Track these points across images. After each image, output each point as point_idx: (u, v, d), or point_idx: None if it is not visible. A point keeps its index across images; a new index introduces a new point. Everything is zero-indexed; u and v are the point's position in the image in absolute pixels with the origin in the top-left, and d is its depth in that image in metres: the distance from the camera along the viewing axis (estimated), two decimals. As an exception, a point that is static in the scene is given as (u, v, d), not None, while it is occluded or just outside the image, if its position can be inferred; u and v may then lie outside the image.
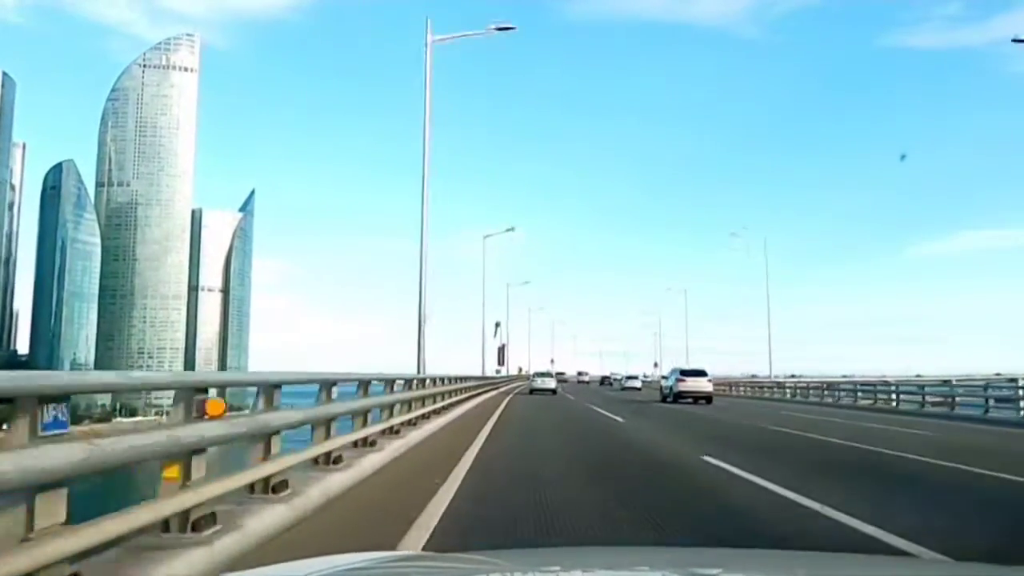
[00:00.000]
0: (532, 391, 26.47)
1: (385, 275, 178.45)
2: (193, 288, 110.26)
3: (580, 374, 65.11)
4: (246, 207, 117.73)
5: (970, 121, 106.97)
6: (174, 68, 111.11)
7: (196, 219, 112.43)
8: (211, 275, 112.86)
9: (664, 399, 19.74)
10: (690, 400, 18.45)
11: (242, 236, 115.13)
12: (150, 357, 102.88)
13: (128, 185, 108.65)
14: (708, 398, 18.64)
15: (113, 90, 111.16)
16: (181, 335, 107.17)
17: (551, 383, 27.68)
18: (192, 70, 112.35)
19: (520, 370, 50.27)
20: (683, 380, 19.26)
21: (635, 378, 41.05)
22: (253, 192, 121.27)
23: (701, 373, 19.84)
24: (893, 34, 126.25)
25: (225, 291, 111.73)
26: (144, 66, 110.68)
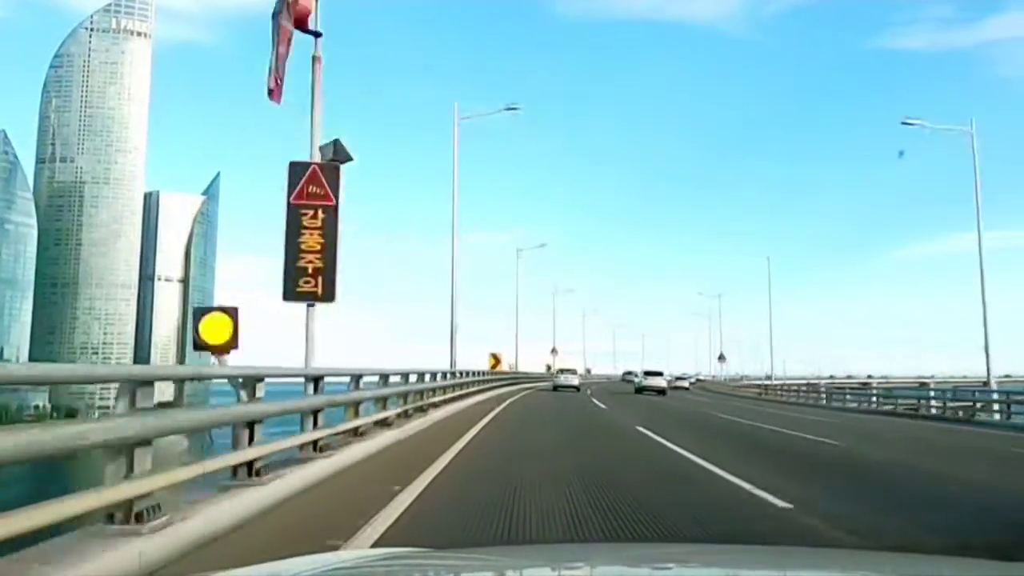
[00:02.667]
0: (556, 388, 28.67)
1: (389, 274, 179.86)
2: (148, 277, 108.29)
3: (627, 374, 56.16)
4: (209, 190, 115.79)
5: (961, 122, 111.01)
6: (125, 32, 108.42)
7: (152, 202, 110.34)
8: (169, 264, 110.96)
9: (636, 391, 27.76)
10: (652, 392, 26.51)
11: (204, 221, 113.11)
12: (95, 353, 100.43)
13: (72, 161, 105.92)
14: (662, 391, 27.01)
15: (56, 56, 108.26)
16: (131, 329, 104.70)
17: (574, 380, 30.12)
18: (146, 35, 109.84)
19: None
20: (647, 378, 28.75)
21: (659, 375, 41.77)
22: (218, 175, 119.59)
23: (659, 374, 29.82)
24: (884, 35, 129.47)
25: (185, 281, 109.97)
26: (92, 30, 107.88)
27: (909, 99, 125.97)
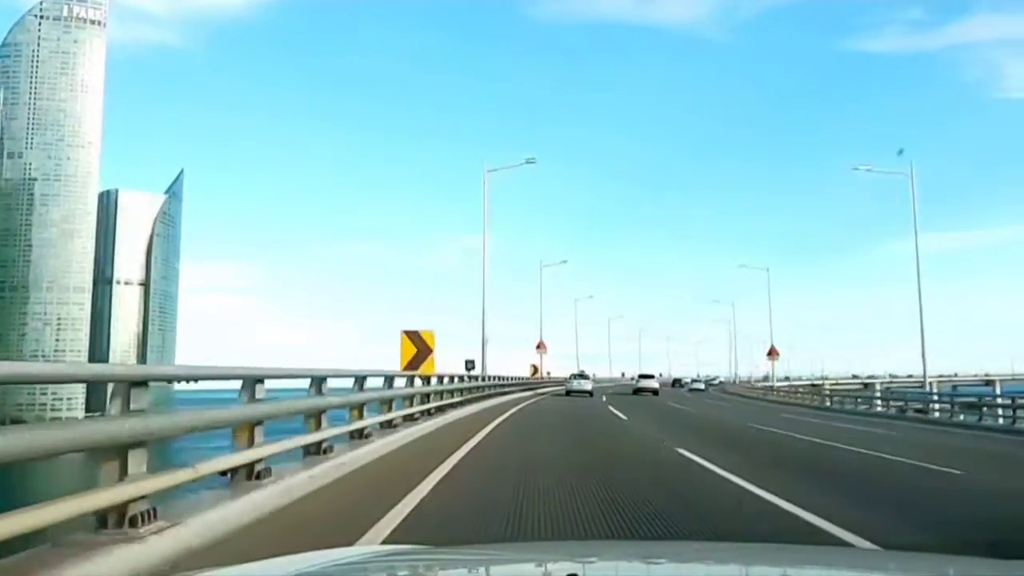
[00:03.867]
0: (568, 392, 29.86)
1: (357, 280, 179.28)
2: (105, 280, 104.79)
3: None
4: (172, 189, 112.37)
5: (932, 125, 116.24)
6: (78, 20, 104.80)
7: (109, 200, 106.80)
8: (129, 266, 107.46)
9: (634, 392, 33.79)
10: (647, 392, 32.95)
11: (167, 222, 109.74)
12: (46, 360, 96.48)
13: (21, 157, 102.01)
14: (655, 391, 33.54)
15: (3, 45, 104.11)
16: (85, 335, 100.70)
17: (587, 385, 31.22)
18: (100, 23, 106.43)
19: (623, 374, 64.85)
20: (641, 380, 35.14)
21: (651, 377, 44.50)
22: (182, 173, 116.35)
23: (651, 376, 36.41)
24: (855, 39, 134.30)
25: (146, 285, 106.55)
26: (41, 17, 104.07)
27: (880, 102, 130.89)
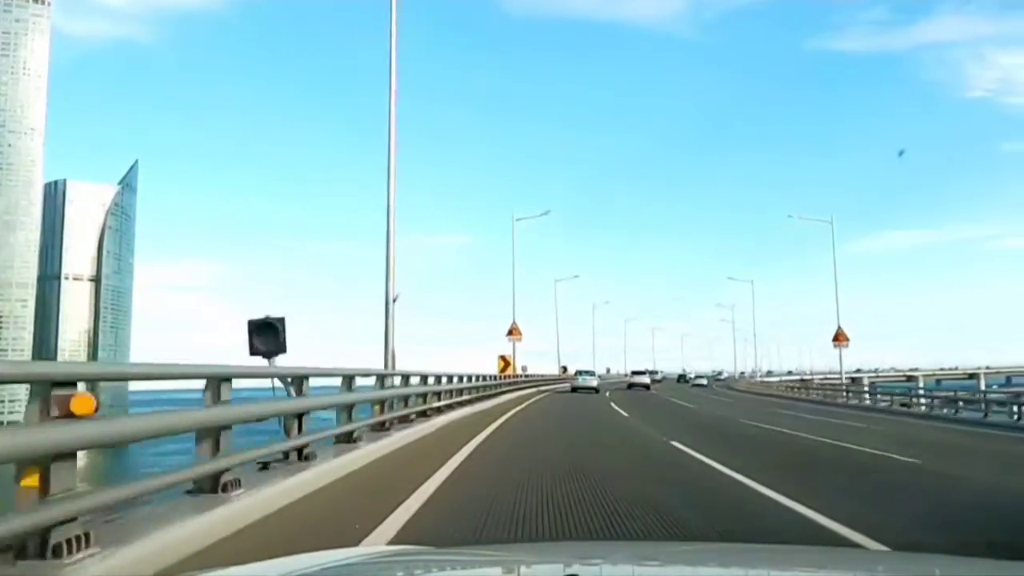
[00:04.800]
0: (574, 389, 29.68)
1: (329, 278, 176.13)
2: (53, 276, 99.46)
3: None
4: (126, 180, 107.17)
5: (895, 124, 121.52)
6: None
7: (56, 191, 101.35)
8: (79, 260, 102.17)
9: (628, 387, 38.44)
10: (639, 387, 37.65)
11: (120, 215, 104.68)
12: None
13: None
14: (646, 386, 38.19)
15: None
16: (28, 333, 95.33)
17: (593, 382, 31.30)
18: (44, 2, 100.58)
19: (608, 370, 65.40)
20: (633, 376, 41.30)
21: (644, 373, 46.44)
22: (136, 164, 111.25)
23: (643, 373, 42.42)
24: (822, 38, 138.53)
25: (97, 280, 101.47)
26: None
27: (848, 99, 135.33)
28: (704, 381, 56.45)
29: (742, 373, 68.98)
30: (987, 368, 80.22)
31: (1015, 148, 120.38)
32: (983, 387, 37.46)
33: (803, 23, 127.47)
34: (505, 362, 26.30)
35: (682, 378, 67.53)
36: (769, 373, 63.51)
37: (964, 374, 77.67)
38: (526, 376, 28.09)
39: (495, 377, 19.67)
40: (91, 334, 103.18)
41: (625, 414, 15.71)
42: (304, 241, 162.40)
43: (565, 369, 43.09)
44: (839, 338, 27.48)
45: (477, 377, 14.76)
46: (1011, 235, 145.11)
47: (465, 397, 12.92)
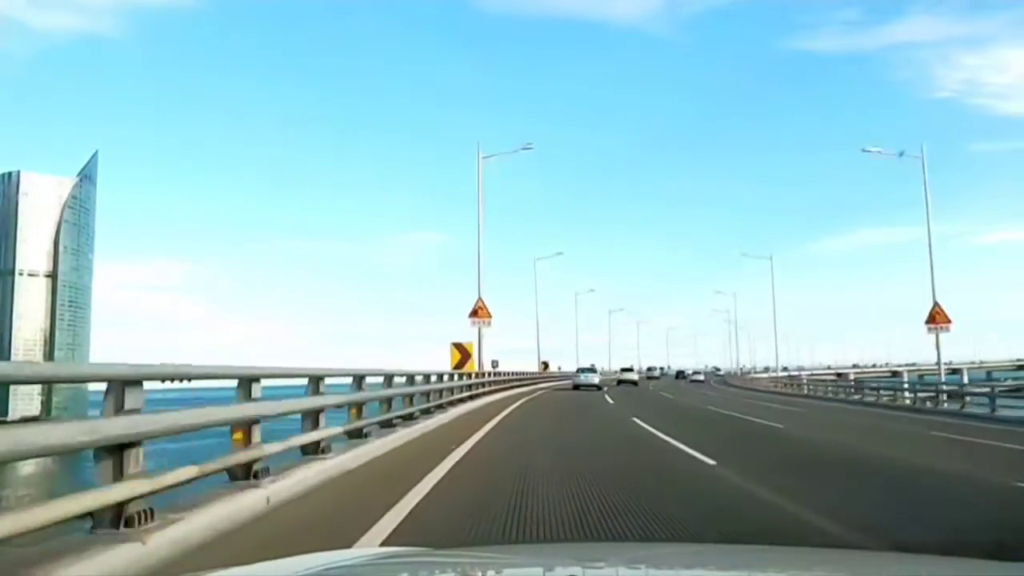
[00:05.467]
0: (576, 387, 29.77)
1: (298, 277, 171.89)
2: (6, 272, 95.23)
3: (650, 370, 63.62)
4: (85, 172, 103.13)
5: (865, 123, 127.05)
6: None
7: (8, 183, 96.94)
8: (34, 255, 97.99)
9: (617, 383, 38.94)
10: (628, 383, 39.17)
11: (78, 208, 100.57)
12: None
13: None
14: (634, 382, 40.44)
15: None
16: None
17: (595, 379, 31.00)
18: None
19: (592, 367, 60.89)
20: (622, 373, 42.14)
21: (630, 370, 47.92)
22: (95, 155, 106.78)
23: (630, 370, 43.85)
24: (796, 37, 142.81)
25: (53, 277, 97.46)
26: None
27: (821, 99, 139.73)
28: (701, 377, 58.23)
29: (741, 369, 70.05)
30: (971, 363, 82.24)
31: (982, 148, 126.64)
32: (967, 381, 39.42)
33: (777, 23, 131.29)
34: (461, 352, 19.05)
35: (680, 374, 68.85)
36: (767, 369, 64.72)
37: (948, 369, 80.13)
38: (496, 375, 20.88)
39: (450, 378, 13.02)
40: (48, 332, 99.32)
41: (611, 402, 20.06)
42: (282, 239, 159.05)
43: (546, 365, 40.13)
44: (936, 318, 22.17)
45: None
46: (978, 233, 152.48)
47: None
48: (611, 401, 20.50)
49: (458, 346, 19.46)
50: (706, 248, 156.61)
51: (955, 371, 75.28)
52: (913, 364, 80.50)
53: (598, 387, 29.12)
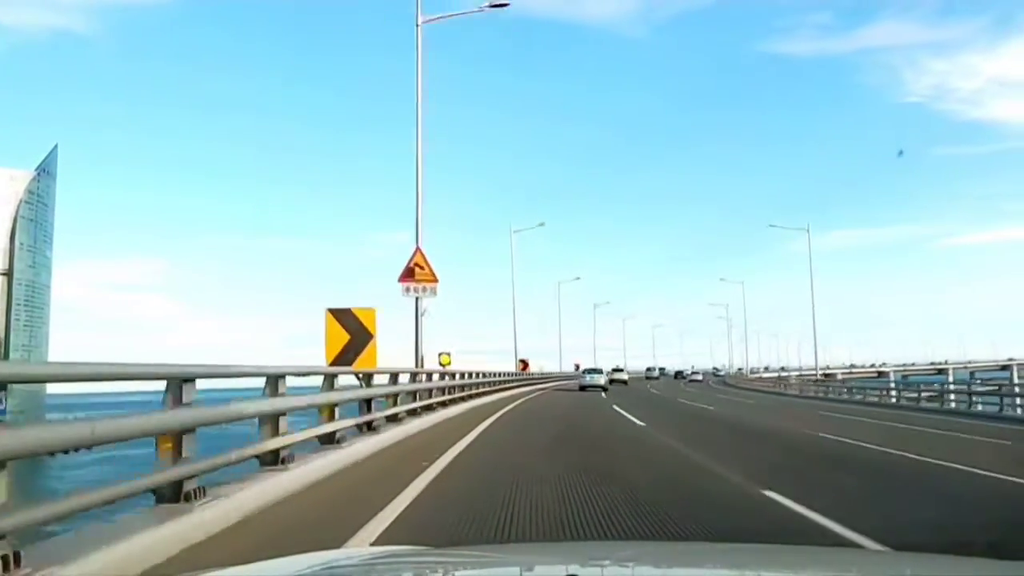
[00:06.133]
0: (582, 387, 30.02)
1: (281, 278, 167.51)
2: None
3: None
4: (43, 166, 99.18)
5: (838, 125, 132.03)
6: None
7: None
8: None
9: (610, 381, 38.95)
10: (619, 383, 41.03)
11: (35, 203, 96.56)
12: None
13: None
14: (624, 382, 42.50)
15: None
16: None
17: (601, 380, 31.50)
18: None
19: (577, 367, 58.17)
20: (614, 373, 43.46)
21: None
22: (55, 149, 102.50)
23: (621, 371, 46.24)
24: (770, 40, 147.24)
25: (8, 274, 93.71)
26: None
27: (792, 102, 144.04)
28: (699, 377, 61.80)
29: (739, 369, 71.32)
30: (956, 363, 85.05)
31: (947, 152, 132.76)
32: (951, 380, 41.53)
33: (751, 26, 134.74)
34: (342, 322, 10.18)
35: (679, 374, 71.02)
36: (766, 369, 66.32)
37: (934, 369, 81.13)
38: (447, 376, 13.84)
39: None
40: (3, 333, 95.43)
41: (603, 394, 25.59)
42: (256, 239, 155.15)
43: (526, 364, 36.78)
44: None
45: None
46: (946, 235, 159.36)
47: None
48: (603, 394, 25.36)
49: (339, 314, 10.22)
50: (699, 245, 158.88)
51: (941, 371, 76.67)
52: (902, 365, 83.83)
53: (604, 388, 29.88)
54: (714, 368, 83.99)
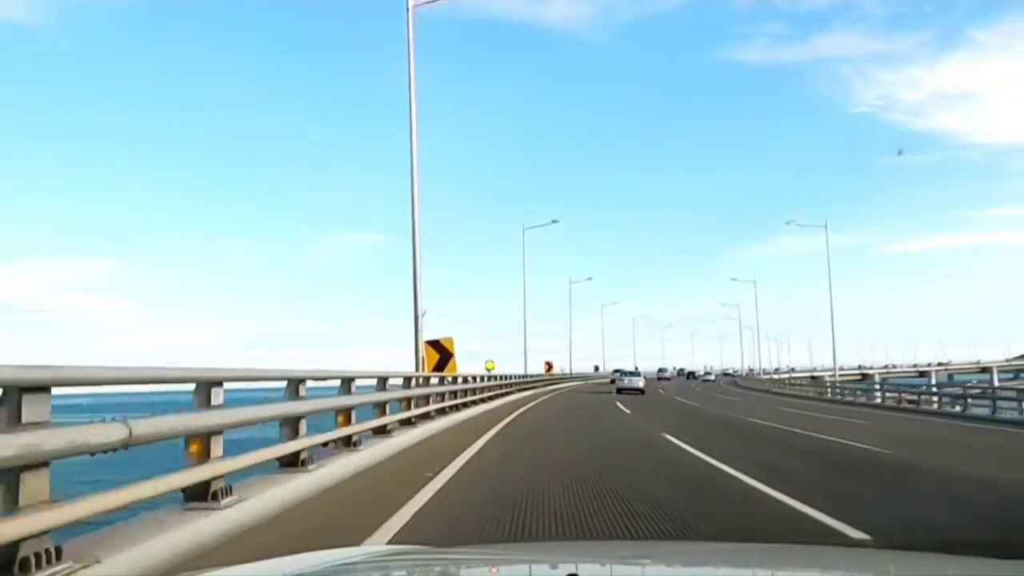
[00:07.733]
0: (619, 390, 31.29)
1: (237, 279, 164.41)
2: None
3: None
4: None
5: (792, 135, 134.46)
6: None
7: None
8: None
9: (611, 382, 41.83)
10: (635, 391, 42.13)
11: None
12: None
13: None
14: (641, 390, 41.15)
15: None
16: None
17: (639, 382, 31.93)
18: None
19: (596, 368, 61.66)
20: (615, 376, 43.33)
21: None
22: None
23: (637, 374, 44.08)
24: (726, 48, 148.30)
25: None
26: None
27: (748, 110, 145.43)
28: (712, 377, 64.93)
29: (751, 370, 71.43)
30: (938, 365, 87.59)
31: (892, 162, 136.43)
32: (934, 382, 43.82)
33: (709, 33, 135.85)
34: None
35: (691, 375, 73.75)
36: (776, 370, 66.44)
37: (916, 372, 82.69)
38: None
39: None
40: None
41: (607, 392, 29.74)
42: (211, 239, 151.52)
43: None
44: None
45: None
46: (889, 242, 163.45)
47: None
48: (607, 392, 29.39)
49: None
50: (695, 243, 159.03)
51: (923, 374, 77.63)
52: (893, 365, 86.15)
53: (641, 391, 30.47)
54: (724, 370, 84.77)
